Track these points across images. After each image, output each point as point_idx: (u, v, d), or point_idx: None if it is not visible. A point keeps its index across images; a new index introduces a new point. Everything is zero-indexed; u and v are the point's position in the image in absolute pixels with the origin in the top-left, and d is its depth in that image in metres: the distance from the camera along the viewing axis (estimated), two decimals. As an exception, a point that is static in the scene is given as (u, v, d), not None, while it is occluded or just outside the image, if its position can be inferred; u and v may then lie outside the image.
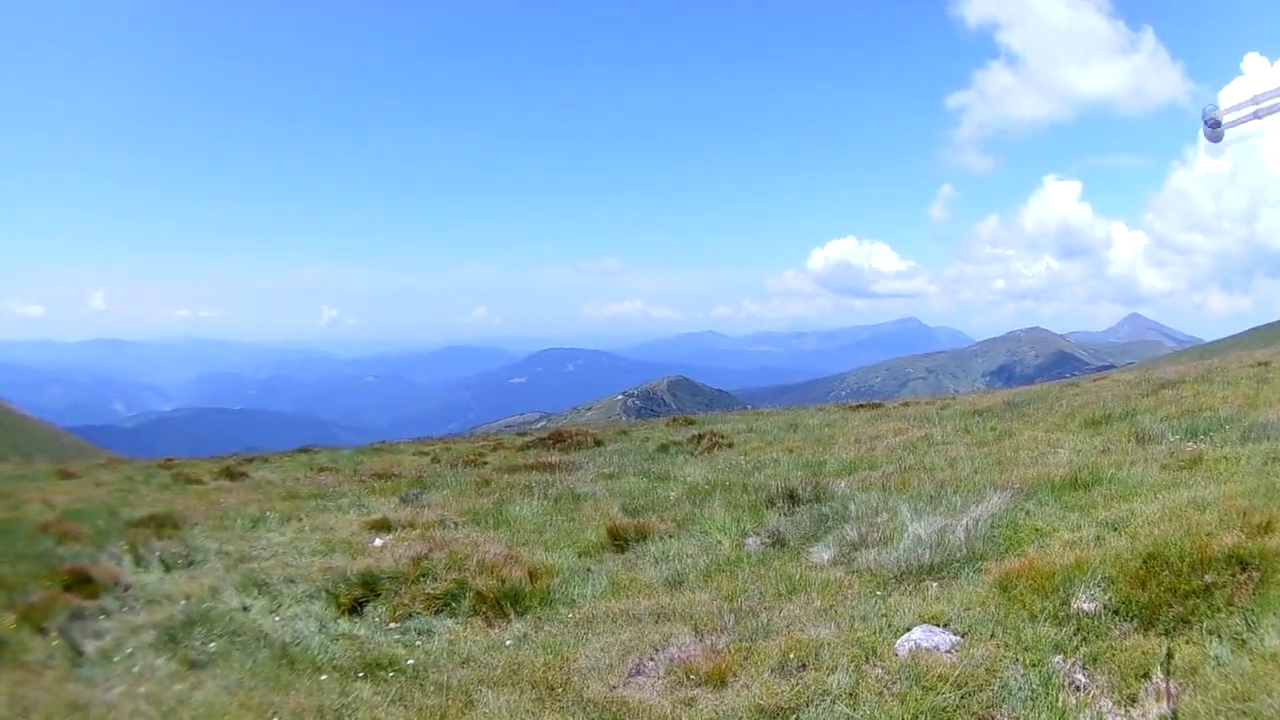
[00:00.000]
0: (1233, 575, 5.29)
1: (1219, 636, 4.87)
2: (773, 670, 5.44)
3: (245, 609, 8.09)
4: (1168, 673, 4.52)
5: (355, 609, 7.99)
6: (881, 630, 5.78)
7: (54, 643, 7.16)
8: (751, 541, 8.95)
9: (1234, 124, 6.14)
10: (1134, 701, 4.52)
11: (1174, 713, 4.27)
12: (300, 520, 12.13)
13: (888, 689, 4.96)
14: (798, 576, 7.41)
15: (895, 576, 6.94)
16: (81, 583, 8.72)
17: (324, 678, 6.35)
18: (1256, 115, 5.95)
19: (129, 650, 7.11)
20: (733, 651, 5.84)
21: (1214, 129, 6.19)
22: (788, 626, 6.17)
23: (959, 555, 7.02)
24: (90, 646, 7.23)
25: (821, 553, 8.08)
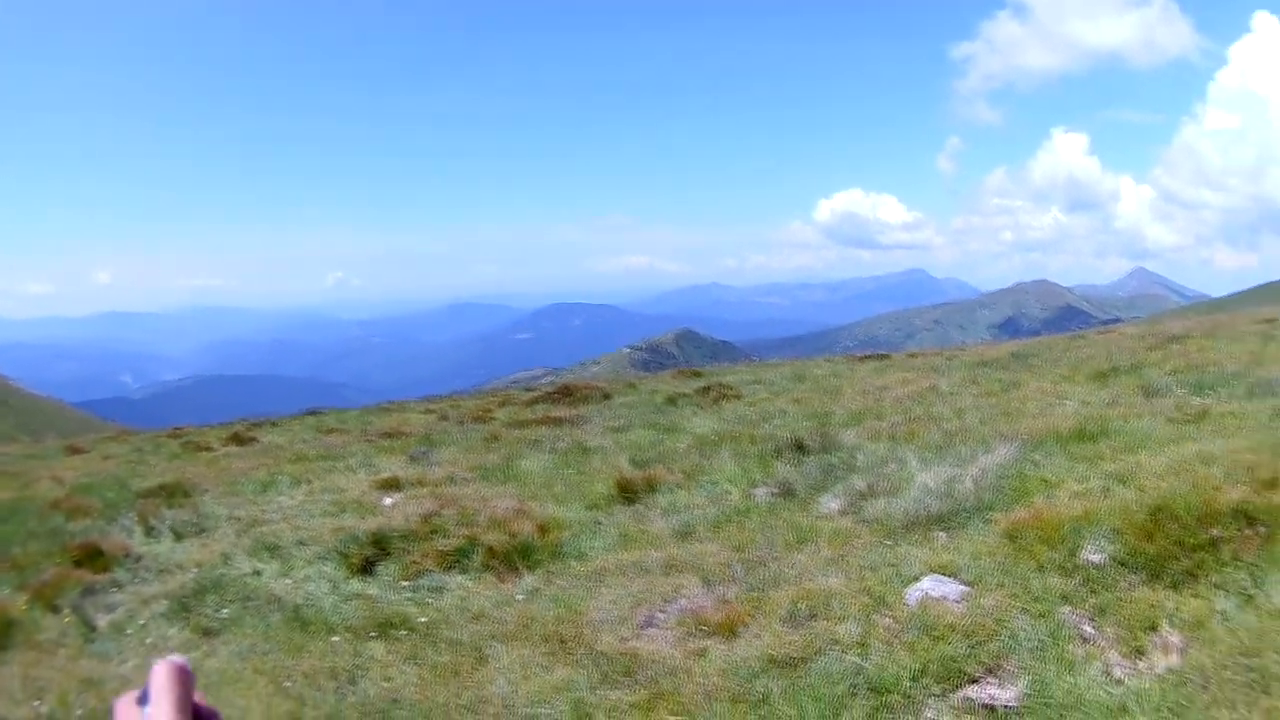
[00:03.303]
0: (1239, 530, 5.23)
1: (1225, 591, 4.80)
2: (783, 620, 5.44)
3: (257, 573, 8.14)
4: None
5: (367, 568, 8.04)
6: (890, 580, 5.76)
7: (66, 619, 7.22)
8: (760, 492, 8.95)
9: None
10: (1141, 654, 4.48)
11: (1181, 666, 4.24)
12: (310, 482, 12.17)
13: (897, 638, 4.95)
14: (806, 526, 7.42)
15: (903, 526, 6.94)
16: (93, 557, 8.79)
17: (336, 639, 6.40)
18: None
19: (142, 622, 7.18)
20: (743, 602, 5.85)
21: None
22: (797, 576, 6.17)
23: (967, 505, 7.00)
24: (103, 620, 7.30)
25: (830, 503, 8.07)
